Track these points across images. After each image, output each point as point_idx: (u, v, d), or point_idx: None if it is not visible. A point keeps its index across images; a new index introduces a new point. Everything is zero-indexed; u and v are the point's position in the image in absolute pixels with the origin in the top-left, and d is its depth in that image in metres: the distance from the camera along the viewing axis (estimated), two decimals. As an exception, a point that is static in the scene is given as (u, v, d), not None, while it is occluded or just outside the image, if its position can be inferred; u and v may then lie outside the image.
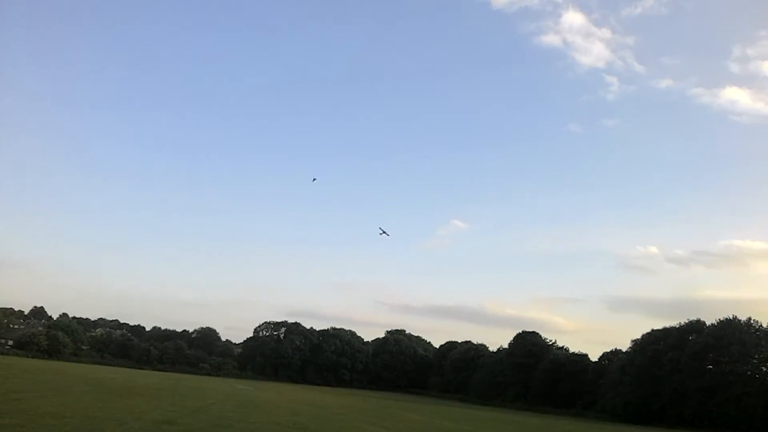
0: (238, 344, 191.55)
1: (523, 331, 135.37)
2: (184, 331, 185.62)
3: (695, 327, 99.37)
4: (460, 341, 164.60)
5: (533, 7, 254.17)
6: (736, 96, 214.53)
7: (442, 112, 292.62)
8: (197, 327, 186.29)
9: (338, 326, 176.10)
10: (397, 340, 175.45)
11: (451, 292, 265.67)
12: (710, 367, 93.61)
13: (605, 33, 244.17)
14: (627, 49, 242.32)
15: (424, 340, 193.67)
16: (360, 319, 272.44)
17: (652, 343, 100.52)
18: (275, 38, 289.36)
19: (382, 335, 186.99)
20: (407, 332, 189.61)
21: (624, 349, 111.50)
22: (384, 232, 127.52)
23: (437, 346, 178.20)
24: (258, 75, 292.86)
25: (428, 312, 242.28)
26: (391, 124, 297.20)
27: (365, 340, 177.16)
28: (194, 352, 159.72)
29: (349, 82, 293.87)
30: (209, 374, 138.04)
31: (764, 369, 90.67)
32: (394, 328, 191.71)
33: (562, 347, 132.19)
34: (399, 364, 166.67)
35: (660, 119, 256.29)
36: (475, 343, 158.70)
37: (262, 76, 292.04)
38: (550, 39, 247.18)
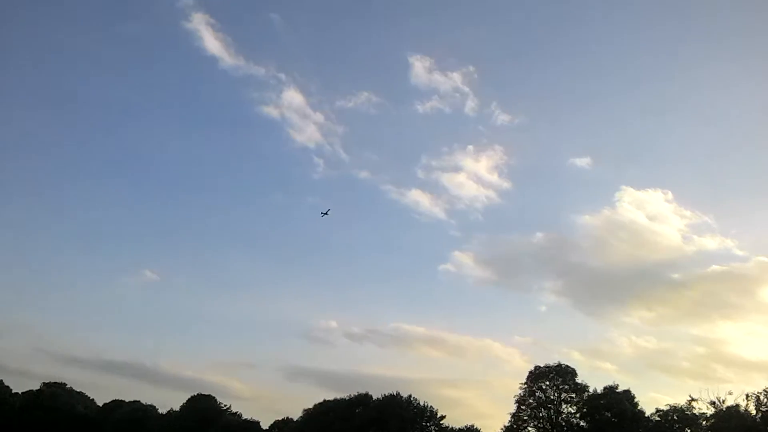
0: None
1: (198, 394, 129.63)
2: None
3: (362, 400, 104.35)
4: (128, 400, 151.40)
5: (258, 77, 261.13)
6: (419, 198, 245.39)
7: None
8: None
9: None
10: (54, 395, 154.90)
11: (127, 345, 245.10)
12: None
13: (319, 117, 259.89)
14: (336, 137, 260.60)
15: (87, 396, 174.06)
16: (14, 368, 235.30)
17: (323, 413, 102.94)
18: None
19: (37, 387, 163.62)
20: (68, 386, 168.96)
21: (295, 418, 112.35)
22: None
23: (101, 404, 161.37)
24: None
25: (98, 366, 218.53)
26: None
27: (14, 391, 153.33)
28: None
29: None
30: None
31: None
32: (53, 380, 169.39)
33: (236, 413, 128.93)
34: (52, 421, 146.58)
35: (356, 205, 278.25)
36: (144, 403, 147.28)
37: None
38: (271, 111, 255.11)
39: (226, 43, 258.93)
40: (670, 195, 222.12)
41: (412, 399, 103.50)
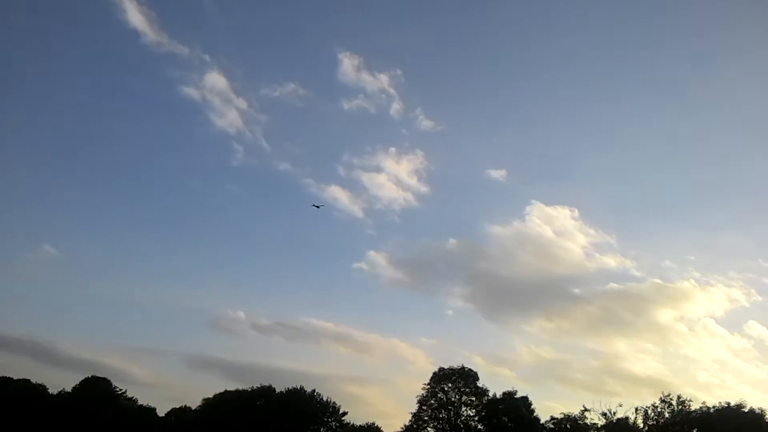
0: None
1: (92, 376, 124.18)
2: None
3: (265, 392, 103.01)
4: (16, 378, 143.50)
5: (182, 56, 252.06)
6: (338, 195, 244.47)
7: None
8: None
9: None
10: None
11: (22, 322, 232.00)
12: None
13: (242, 103, 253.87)
14: (258, 125, 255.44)
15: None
16: None
17: (223, 404, 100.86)
18: None
19: None
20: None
21: (194, 407, 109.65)
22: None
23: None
24: None
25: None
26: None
27: None
28: None
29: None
30: None
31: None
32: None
33: (132, 398, 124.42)
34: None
35: (274, 196, 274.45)
36: (34, 382, 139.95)
37: None
38: (192, 92, 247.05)
39: (151, 19, 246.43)
40: (576, 213, 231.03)
41: (315, 394, 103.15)
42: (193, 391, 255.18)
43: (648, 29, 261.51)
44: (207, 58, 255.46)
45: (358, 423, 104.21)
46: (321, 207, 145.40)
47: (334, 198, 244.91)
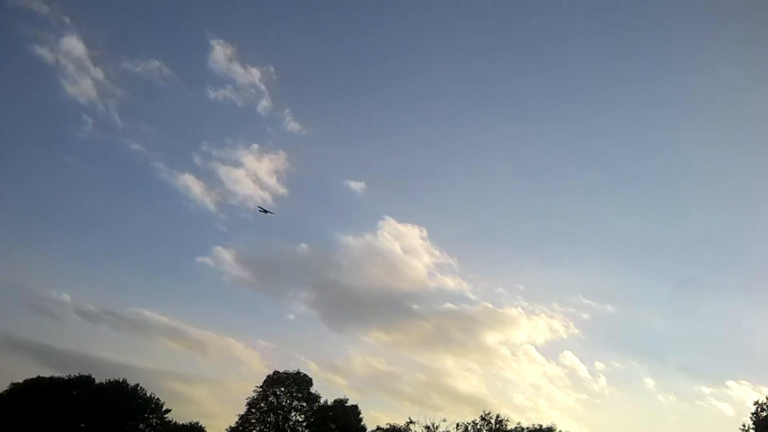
0: None
1: None
2: None
3: (83, 382, 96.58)
4: None
5: (40, 14, 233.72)
6: (191, 184, 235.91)
7: None
8: None
9: None
10: None
11: None
12: (83, 425, 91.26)
13: (99, 74, 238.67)
14: (113, 99, 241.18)
15: None
16: None
17: (33, 390, 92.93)
18: None
19: None
20: None
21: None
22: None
23: None
24: None
25: None
26: None
27: None
28: None
29: None
30: None
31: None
32: None
33: None
34: None
35: (120, 176, 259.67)
36: None
37: None
38: (45, 54, 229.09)
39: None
40: (425, 233, 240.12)
41: (139, 388, 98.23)
42: (1, 374, 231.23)
43: (510, 63, 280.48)
44: (67, 20, 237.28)
45: (181, 422, 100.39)
46: (268, 213, 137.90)
47: (186, 187, 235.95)
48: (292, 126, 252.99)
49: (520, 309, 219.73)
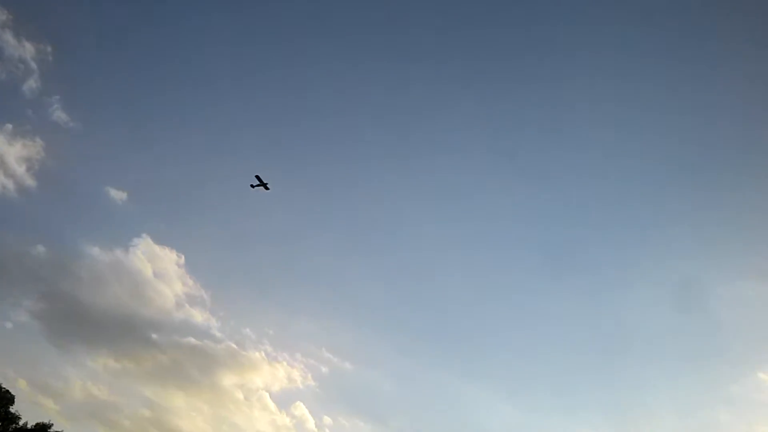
0: None
1: None
2: None
3: None
4: None
5: None
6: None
7: None
8: None
9: None
10: None
11: None
12: None
13: None
14: None
15: None
16: None
17: None
18: None
19: None
20: None
21: None
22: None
23: None
24: None
25: None
26: None
27: None
28: None
29: None
30: None
31: None
32: None
33: None
34: None
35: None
36: None
37: None
38: None
39: None
40: (182, 260, 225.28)
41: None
42: None
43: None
44: None
45: None
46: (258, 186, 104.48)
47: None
48: (59, 115, 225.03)
49: (263, 353, 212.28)
